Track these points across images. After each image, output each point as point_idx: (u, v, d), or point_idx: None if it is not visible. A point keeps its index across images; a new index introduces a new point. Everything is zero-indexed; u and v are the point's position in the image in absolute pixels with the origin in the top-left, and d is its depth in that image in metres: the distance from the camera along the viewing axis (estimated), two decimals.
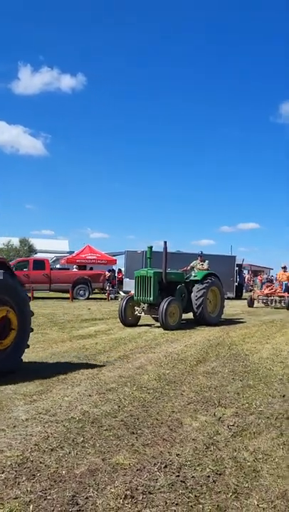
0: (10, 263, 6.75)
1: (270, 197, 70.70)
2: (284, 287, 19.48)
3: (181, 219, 73.86)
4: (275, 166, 69.20)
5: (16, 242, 40.32)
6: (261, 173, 69.35)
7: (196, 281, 12.08)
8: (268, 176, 70.48)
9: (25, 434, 3.67)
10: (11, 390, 4.99)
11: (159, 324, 10.90)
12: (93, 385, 5.33)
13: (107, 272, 24.01)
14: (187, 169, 71.82)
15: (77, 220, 78.60)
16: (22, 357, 5.92)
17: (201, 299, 11.68)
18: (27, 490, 2.76)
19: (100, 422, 4.03)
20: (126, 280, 23.74)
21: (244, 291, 28.50)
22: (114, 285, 25.11)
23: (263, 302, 19.15)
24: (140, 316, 11.61)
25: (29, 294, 18.06)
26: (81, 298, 21.07)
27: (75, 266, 24.79)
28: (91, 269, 25.23)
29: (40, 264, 21.21)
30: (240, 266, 28.11)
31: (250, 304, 18.85)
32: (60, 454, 3.30)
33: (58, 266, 27.63)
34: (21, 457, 3.23)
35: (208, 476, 3.02)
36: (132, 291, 11.93)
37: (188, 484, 2.90)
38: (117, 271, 28.56)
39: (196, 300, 11.73)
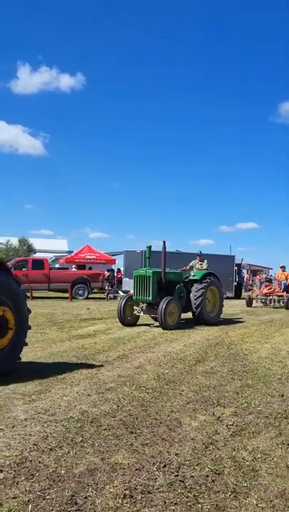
0: (8, 262, 6.74)
1: (269, 197, 70.93)
2: (283, 287, 19.50)
3: (180, 219, 74.00)
4: (275, 166, 69.40)
5: (15, 241, 40.27)
6: (260, 172, 69.52)
7: (195, 281, 12.08)
8: (267, 175, 70.65)
9: (24, 434, 3.67)
10: (10, 389, 4.99)
11: (158, 324, 10.90)
12: (92, 384, 5.33)
13: (106, 272, 24.00)
14: (186, 169, 71.97)
15: (76, 220, 78.66)
16: (21, 356, 5.92)
17: (200, 298, 11.68)
18: (26, 490, 2.76)
19: (98, 421, 4.03)
20: (125, 280, 23.73)
21: (243, 290, 28.52)
22: (114, 285, 25.11)
23: (261, 302, 19.16)
24: (139, 315, 11.61)
25: (28, 294, 18.12)
26: (80, 297, 21.07)
27: (74, 265, 24.80)
28: (90, 268, 25.23)
29: (39, 263, 21.19)
30: (239, 265, 28.14)
31: (249, 303, 18.87)
32: (59, 454, 3.30)
33: (57, 265, 27.62)
34: (20, 457, 3.23)
35: (207, 476, 3.02)
36: (131, 291, 11.93)
37: (187, 484, 2.90)
38: (116, 270, 28.56)
39: (195, 300, 11.73)
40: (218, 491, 2.82)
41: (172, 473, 3.05)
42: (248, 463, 3.25)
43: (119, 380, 5.55)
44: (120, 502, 2.65)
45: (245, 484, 2.92)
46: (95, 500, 2.65)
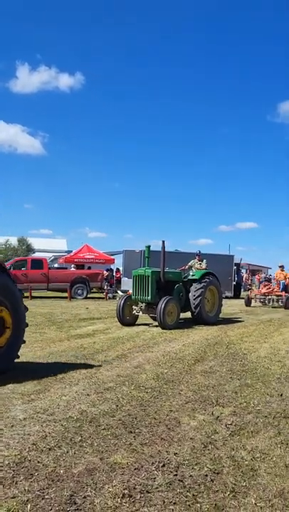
0: (6, 262, 6.74)
1: (268, 196, 71.00)
2: (281, 286, 19.51)
3: (179, 218, 74.04)
4: (273, 166, 69.47)
5: (14, 241, 40.22)
6: (259, 172, 69.59)
7: (194, 281, 12.08)
8: (266, 175, 70.71)
9: (23, 434, 3.67)
10: (9, 389, 4.98)
11: (157, 323, 10.90)
12: (91, 384, 5.33)
13: (105, 271, 24.01)
14: (185, 169, 72.00)
15: (75, 220, 78.64)
16: (19, 356, 5.92)
17: (199, 298, 11.68)
18: (25, 489, 2.76)
19: (97, 421, 4.03)
20: (124, 279, 23.73)
21: (242, 290, 28.55)
22: (113, 284, 25.12)
23: (260, 301, 19.18)
24: (138, 315, 11.61)
25: (27, 294, 18.11)
26: (79, 297, 21.06)
27: (73, 265, 24.80)
28: (89, 268, 25.23)
29: (38, 263, 21.18)
30: (238, 265, 28.17)
31: (248, 303, 18.88)
32: (58, 454, 3.30)
33: (56, 265, 27.63)
34: (19, 456, 3.22)
35: (206, 475, 3.02)
36: (130, 291, 11.93)
37: (186, 483, 2.90)
38: (115, 270, 28.58)
39: (194, 299, 11.74)
40: (217, 491, 2.82)
41: (171, 472, 3.06)
42: (246, 462, 3.25)
43: (118, 380, 5.55)
44: (119, 501, 2.65)
45: (244, 484, 2.92)
46: (94, 500, 2.65)
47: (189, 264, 13.37)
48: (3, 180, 71.05)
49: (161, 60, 66.45)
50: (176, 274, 12.15)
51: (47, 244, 45.15)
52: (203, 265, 13.13)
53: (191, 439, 3.68)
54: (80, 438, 3.60)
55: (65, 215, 76.81)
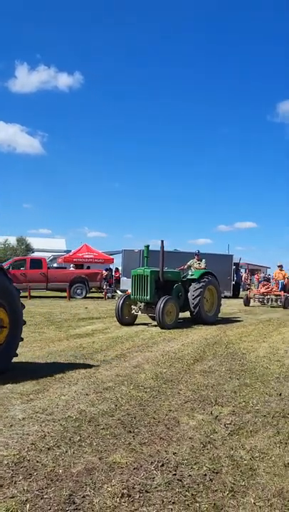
0: (5, 261, 6.73)
1: (267, 196, 71.09)
2: (280, 286, 19.53)
3: (179, 218, 74.10)
4: (273, 166, 69.58)
5: (13, 241, 40.20)
6: (258, 172, 69.69)
7: (193, 280, 12.09)
8: (265, 175, 70.81)
9: (22, 433, 3.66)
10: (8, 389, 4.98)
11: (156, 323, 10.90)
12: (90, 383, 5.33)
13: (104, 271, 24.01)
14: (185, 169, 72.07)
15: (74, 219, 78.71)
16: (18, 355, 5.91)
17: (198, 298, 11.69)
18: (24, 489, 2.76)
19: (96, 420, 4.03)
20: (123, 279, 23.75)
21: (241, 290, 28.57)
22: (112, 284, 25.11)
23: (259, 301, 19.19)
24: (137, 314, 11.61)
25: (26, 294, 18.09)
26: (78, 297, 21.06)
27: (72, 265, 24.80)
28: (88, 268, 25.24)
29: (37, 263, 21.17)
30: (237, 265, 28.17)
31: (246, 302, 18.89)
32: (57, 453, 3.29)
33: (55, 265, 27.62)
34: (18, 456, 3.22)
35: (205, 475, 3.02)
36: (129, 290, 11.93)
37: (185, 483, 2.90)
38: (114, 270, 28.57)
39: (193, 299, 11.74)
40: (216, 490, 2.82)
41: (170, 472, 3.06)
42: (245, 462, 3.25)
43: (117, 380, 5.55)
44: (118, 501, 2.65)
45: (243, 483, 2.92)
46: (93, 500, 2.65)
47: (188, 263, 13.37)
48: (2, 180, 71.11)
49: (161, 60, 66.58)
50: (175, 273, 12.15)
51: (46, 244, 45.16)
52: (202, 265, 13.13)
53: (190, 438, 3.68)
54: (79, 438, 3.60)
55: (64, 214, 76.89)
